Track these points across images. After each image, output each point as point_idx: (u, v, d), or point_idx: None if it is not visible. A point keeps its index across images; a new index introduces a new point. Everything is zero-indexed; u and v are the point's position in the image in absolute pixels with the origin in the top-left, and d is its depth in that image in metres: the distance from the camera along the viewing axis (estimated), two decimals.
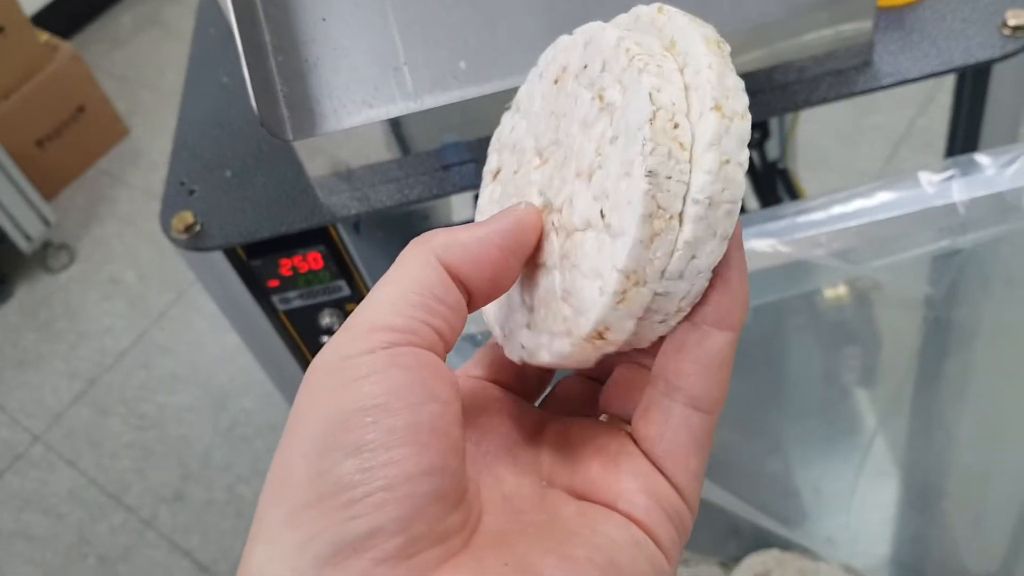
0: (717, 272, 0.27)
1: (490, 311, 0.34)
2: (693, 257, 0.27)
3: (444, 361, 0.28)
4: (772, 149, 1.13)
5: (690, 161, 0.27)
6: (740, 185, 0.27)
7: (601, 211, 0.28)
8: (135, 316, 1.93)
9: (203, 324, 1.87)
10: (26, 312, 1.98)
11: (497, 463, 0.30)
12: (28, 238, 1.97)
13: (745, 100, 0.27)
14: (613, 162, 0.28)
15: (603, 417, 0.31)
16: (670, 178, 0.26)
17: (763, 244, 0.56)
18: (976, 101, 0.69)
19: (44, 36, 2.11)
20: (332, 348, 0.27)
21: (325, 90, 0.47)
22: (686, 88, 0.28)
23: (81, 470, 1.70)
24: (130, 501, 1.65)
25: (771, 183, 1.13)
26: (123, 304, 1.95)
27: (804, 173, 1.21)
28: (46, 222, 1.99)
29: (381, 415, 0.25)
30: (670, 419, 0.28)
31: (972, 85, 0.70)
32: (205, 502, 1.62)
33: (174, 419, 1.74)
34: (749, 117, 0.28)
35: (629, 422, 0.30)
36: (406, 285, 0.27)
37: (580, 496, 0.29)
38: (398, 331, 0.26)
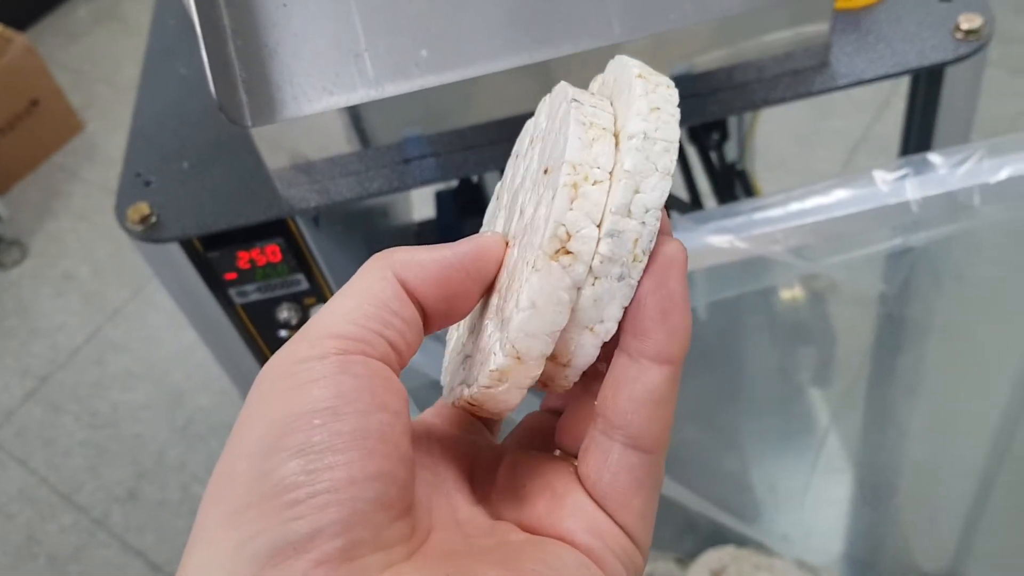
0: (657, 303, 0.27)
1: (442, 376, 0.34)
2: (637, 191, 0.27)
3: (399, 374, 0.28)
4: (731, 150, 1.14)
5: (615, 115, 0.29)
6: (674, 129, 0.27)
7: (545, 169, 0.29)
8: (89, 313, 1.90)
9: (159, 321, 1.84)
10: None
11: (453, 492, 0.30)
12: None
13: (669, 80, 0.28)
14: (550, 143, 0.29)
15: (557, 452, 0.31)
16: (595, 107, 0.28)
17: (720, 240, 0.57)
18: (929, 102, 0.70)
19: None
20: (284, 353, 0.27)
21: (285, 76, 0.46)
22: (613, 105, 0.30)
23: (32, 469, 1.67)
24: (82, 500, 1.62)
25: (729, 184, 1.14)
26: (77, 300, 1.92)
27: (762, 175, 1.22)
28: None
29: (329, 419, 0.25)
30: (609, 459, 0.28)
31: (926, 87, 0.71)
32: (159, 501, 1.60)
33: (128, 417, 1.72)
34: (675, 89, 0.29)
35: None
36: (361, 297, 0.27)
37: (528, 531, 0.29)
38: (351, 339, 0.26)
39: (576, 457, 0.30)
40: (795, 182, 0.59)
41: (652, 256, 0.28)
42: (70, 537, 1.58)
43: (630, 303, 0.28)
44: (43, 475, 1.66)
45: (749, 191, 1.15)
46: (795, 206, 0.57)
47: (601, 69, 0.32)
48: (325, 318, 0.27)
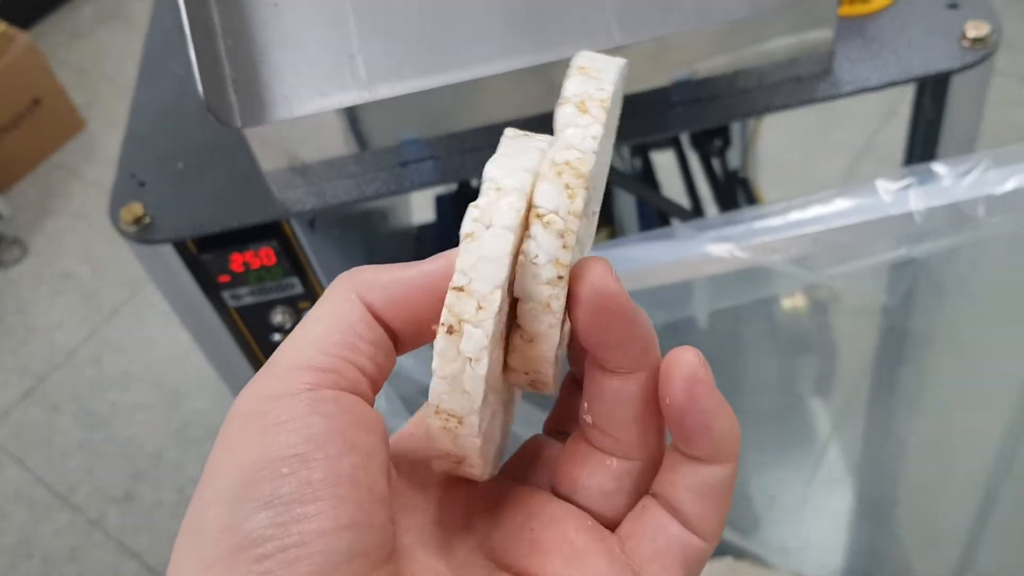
0: (696, 421, 0.26)
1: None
2: None
3: (373, 401, 0.27)
4: (733, 158, 1.13)
5: None
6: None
7: None
8: (87, 312, 1.89)
9: (157, 322, 1.84)
10: None
11: (444, 535, 0.28)
12: None
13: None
14: None
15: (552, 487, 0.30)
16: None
17: (721, 249, 0.56)
18: (935, 111, 0.69)
19: (1, 26, 2.07)
20: (254, 388, 0.26)
21: (276, 76, 0.46)
22: None
23: (28, 469, 1.67)
24: (78, 501, 1.61)
25: (731, 192, 1.13)
26: (75, 300, 1.92)
27: (765, 183, 1.22)
28: None
29: (297, 466, 0.24)
30: (665, 531, 0.27)
31: (931, 95, 0.70)
32: (155, 503, 1.59)
33: (125, 418, 1.71)
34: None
35: (583, 505, 0.29)
36: (328, 323, 0.26)
37: None
38: (321, 370, 0.25)
39: (578, 501, 0.29)
40: (798, 191, 0.58)
41: (668, 366, 0.26)
42: (66, 538, 1.57)
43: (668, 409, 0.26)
44: (39, 475, 1.66)
45: (751, 199, 1.15)
46: (797, 215, 0.56)
47: None
48: (293, 347, 0.26)
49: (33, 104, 2.12)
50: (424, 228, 1.25)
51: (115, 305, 1.89)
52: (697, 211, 1.12)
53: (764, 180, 1.22)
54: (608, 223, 0.78)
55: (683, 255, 0.56)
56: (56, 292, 1.94)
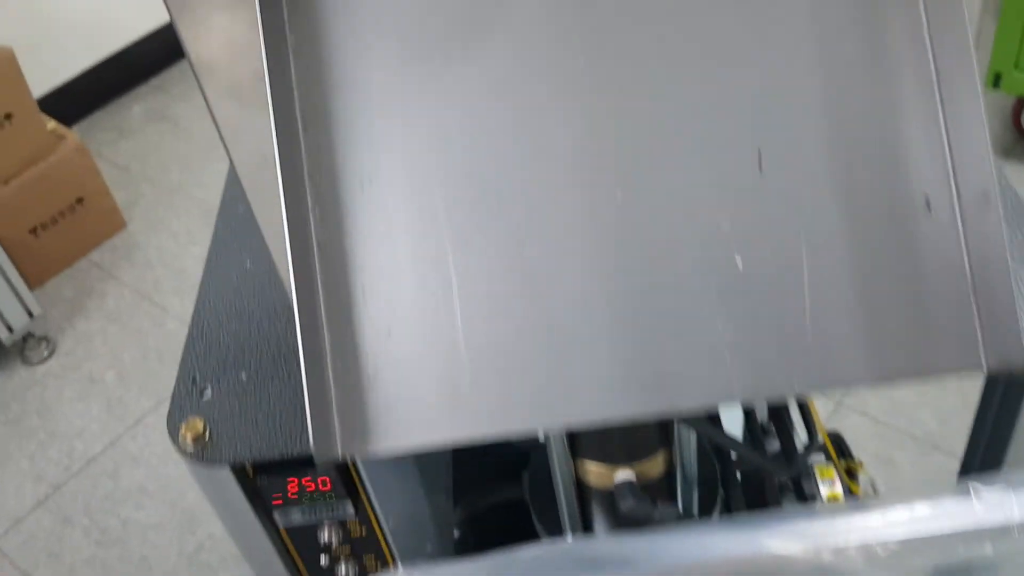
0: None
1: None
2: None
3: None
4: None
5: None
6: None
7: None
8: (110, 420, 1.87)
9: None
10: None
11: None
12: (9, 329, 1.92)
13: None
14: None
15: None
16: None
17: (797, 548, 0.54)
18: (1007, 414, 0.67)
19: (51, 124, 2.10)
20: None
21: (381, 407, 0.45)
22: None
23: None
24: None
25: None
26: (99, 406, 1.90)
27: None
28: (30, 314, 1.95)
29: None
30: None
31: (1003, 393, 0.68)
32: None
33: (138, 537, 1.68)
34: None
35: None
36: None
37: None
38: None
39: None
40: None
41: None
42: None
43: None
44: None
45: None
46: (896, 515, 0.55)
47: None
48: None
49: (76, 203, 2.14)
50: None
51: (138, 415, 1.88)
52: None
53: None
54: (664, 445, 0.76)
55: (755, 551, 0.54)
56: (80, 396, 1.93)
